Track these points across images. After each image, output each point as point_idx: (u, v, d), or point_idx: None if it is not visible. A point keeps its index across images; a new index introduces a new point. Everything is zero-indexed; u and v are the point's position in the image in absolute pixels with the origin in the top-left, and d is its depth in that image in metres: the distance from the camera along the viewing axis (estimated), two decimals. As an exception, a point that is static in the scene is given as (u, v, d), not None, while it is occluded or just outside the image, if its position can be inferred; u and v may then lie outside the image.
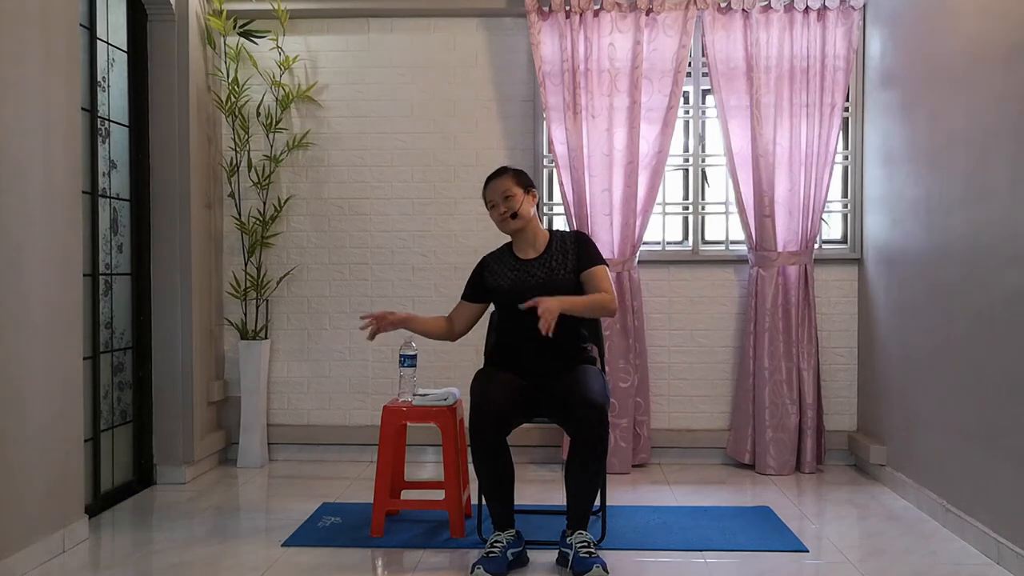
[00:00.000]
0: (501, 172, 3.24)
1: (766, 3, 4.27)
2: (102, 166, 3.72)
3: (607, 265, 3.20)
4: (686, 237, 4.57)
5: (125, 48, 3.93)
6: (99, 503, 3.62)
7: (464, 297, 3.32)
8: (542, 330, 2.82)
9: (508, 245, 3.30)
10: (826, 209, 4.42)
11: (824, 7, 4.25)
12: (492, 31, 4.50)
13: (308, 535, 3.29)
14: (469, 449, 2.97)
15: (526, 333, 3.01)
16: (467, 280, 3.33)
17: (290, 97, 4.44)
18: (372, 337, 3.19)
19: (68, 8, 3.18)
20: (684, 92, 4.48)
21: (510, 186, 3.16)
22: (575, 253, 3.17)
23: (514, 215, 3.14)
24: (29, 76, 2.93)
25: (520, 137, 4.51)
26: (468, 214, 4.52)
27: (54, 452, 3.06)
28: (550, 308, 2.84)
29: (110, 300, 3.81)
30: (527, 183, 3.21)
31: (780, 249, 4.30)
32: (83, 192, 3.45)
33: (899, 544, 3.20)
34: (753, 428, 4.30)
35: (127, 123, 3.96)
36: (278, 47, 4.40)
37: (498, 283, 3.19)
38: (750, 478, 4.19)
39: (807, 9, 4.26)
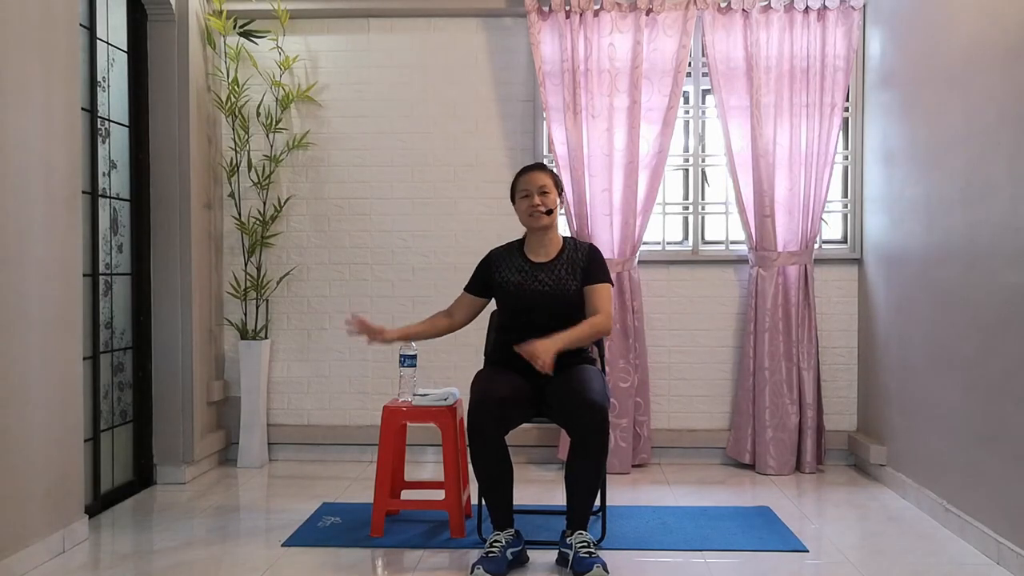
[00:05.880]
0: (540, 167, 3.25)
1: (766, 3, 4.27)
2: (102, 166, 3.72)
3: (612, 285, 3.23)
4: (686, 237, 4.57)
5: (125, 48, 3.93)
6: (99, 503, 3.62)
7: (467, 289, 3.29)
8: (541, 371, 2.87)
9: (518, 243, 3.28)
10: (826, 209, 4.41)
11: (824, 7, 4.25)
12: (492, 31, 4.50)
13: (308, 535, 3.29)
14: (468, 449, 2.97)
15: (527, 333, 3.01)
16: (472, 272, 3.30)
17: (290, 97, 4.44)
18: (370, 342, 3.23)
19: (68, 8, 3.18)
20: (684, 92, 4.48)
21: (548, 182, 3.17)
22: (585, 267, 3.16)
23: (548, 211, 3.15)
24: (29, 76, 2.93)
25: (520, 137, 4.51)
26: (468, 214, 4.52)
27: (54, 452, 3.06)
28: (547, 350, 2.87)
29: (110, 300, 3.81)
30: (560, 185, 3.25)
31: (780, 249, 4.30)
32: (83, 192, 3.45)
33: (899, 544, 3.20)
34: (753, 428, 4.30)
35: (127, 123, 3.96)
36: (278, 47, 4.40)
37: (504, 282, 3.17)
38: (750, 478, 4.19)
39: (807, 9, 4.26)
